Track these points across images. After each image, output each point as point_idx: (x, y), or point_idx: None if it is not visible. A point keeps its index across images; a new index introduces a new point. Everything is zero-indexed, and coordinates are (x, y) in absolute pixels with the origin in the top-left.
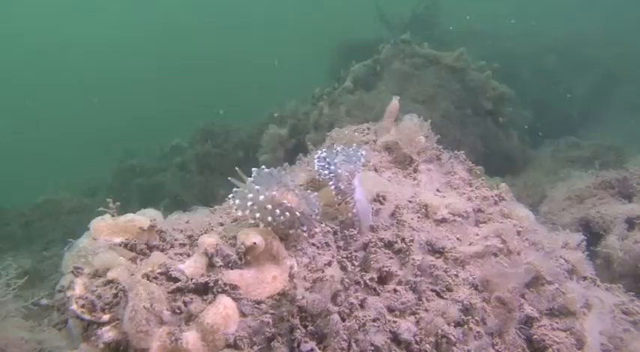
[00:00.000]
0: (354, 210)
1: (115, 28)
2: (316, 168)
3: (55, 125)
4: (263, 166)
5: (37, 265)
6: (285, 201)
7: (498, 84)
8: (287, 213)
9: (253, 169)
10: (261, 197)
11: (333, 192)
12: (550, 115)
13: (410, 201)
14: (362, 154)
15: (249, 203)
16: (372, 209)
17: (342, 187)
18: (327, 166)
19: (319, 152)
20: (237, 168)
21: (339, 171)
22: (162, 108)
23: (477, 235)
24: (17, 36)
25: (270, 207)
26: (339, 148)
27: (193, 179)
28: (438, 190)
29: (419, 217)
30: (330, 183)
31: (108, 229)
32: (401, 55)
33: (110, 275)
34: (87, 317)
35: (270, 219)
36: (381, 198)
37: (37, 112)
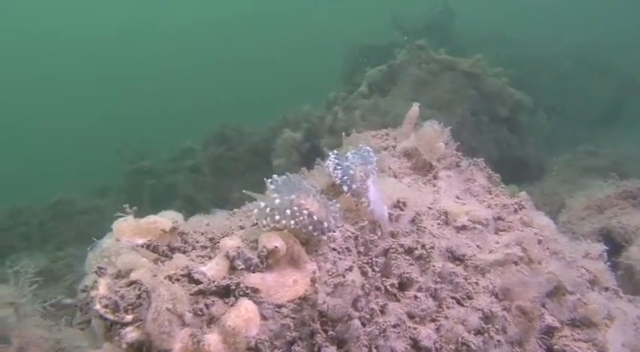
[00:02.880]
0: (370, 209)
1: (126, 26)
2: (331, 171)
3: (64, 123)
4: (275, 176)
5: (51, 265)
6: (306, 205)
7: (515, 91)
8: (307, 217)
9: (270, 180)
10: (278, 200)
11: (346, 191)
12: (567, 122)
13: (430, 208)
14: (374, 155)
15: (269, 209)
16: (392, 215)
17: (355, 187)
18: (338, 170)
19: (331, 154)
20: (244, 191)
21: (351, 171)
22: (169, 110)
23: (497, 243)
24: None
25: (289, 211)
26: (351, 150)
27: (206, 181)
28: (457, 197)
29: (439, 224)
30: (344, 186)
31: (130, 230)
32: (417, 60)
33: (133, 276)
34: (110, 317)
35: (292, 222)
36: (401, 204)
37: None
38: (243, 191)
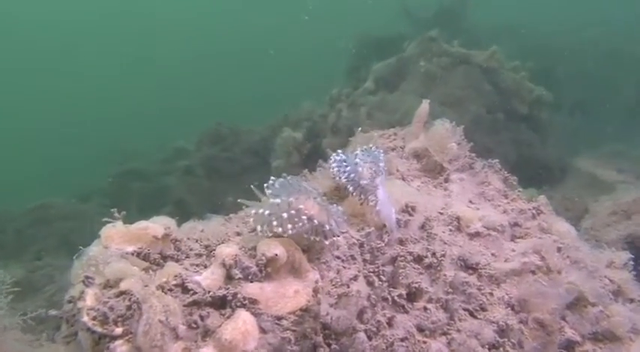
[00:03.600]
0: (377, 208)
1: (115, 17)
2: (335, 171)
3: (43, 121)
4: (273, 178)
5: (30, 275)
6: (305, 208)
7: (534, 86)
8: (307, 221)
9: (267, 184)
10: (278, 200)
11: (351, 190)
12: (592, 120)
13: (441, 213)
14: (383, 154)
15: (267, 212)
16: (400, 221)
17: (363, 183)
18: (345, 167)
19: (336, 154)
20: (252, 186)
21: (360, 169)
22: (161, 109)
23: (514, 251)
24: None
25: (286, 215)
26: (358, 149)
27: (200, 184)
28: (470, 201)
29: (451, 230)
30: (349, 185)
31: (119, 237)
32: (428, 53)
33: (123, 285)
34: (99, 329)
35: (290, 226)
36: (409, 209)
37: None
38: (239, 200)
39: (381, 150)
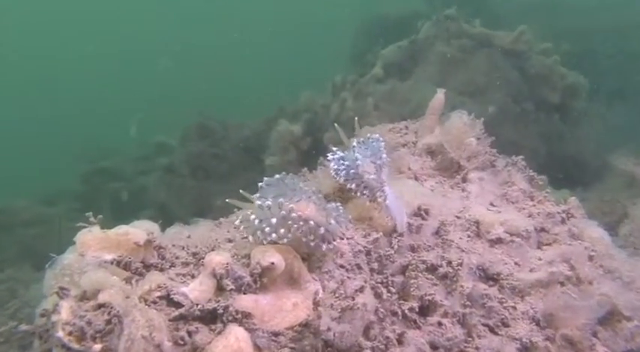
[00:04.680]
0: (386, 203)
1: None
2: (334, 170)
3: (6, 116)
4: (266, 178)
5: None
6: (299, 208)
7: (568, 72)
8: (302, 223)
9: (262, 182)
10: (268, 202)
11: (354, 189)
12: (633, 112)
13: (458, 217)
14: (382, 143)
15: (257, 220)
16: (412, 225)
17: (368, 179)
18: (342, 164)
19: (332, 153)
20: (242, 191)
21: (360, 163)
22: (139, 99)
23: (540, 259)
24: None
25: (275, 220)
26: (354, 143)
27: (184, 185)
28: (491, 204)
29: (469, 236)
30: (351, 183)
31: (97, 244)
32: (445, 34)
33: (101, 297)
34: (75, 346)
35: (282, 231)
36: (422, 212)
37: None
38: (227, 200)
39: (380, 139)
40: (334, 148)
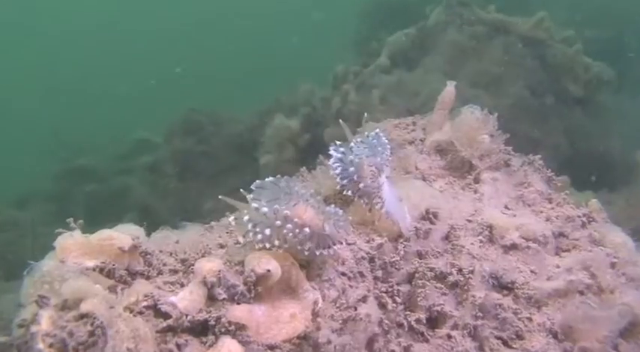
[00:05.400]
0: (383, 211)
1: None
2: (337, 171)
3: None
4: (258, 181)
5: None
6: (291, 215)
7: (593, 61)
8: (298, 231)
9: (255, 183)
10: (264, 209)
11: (351, 195)
12: None
13: (469, 221)
14: (387, 144)
15: (250, 225)
16: (419, 230)
17: (362, 186)
18: (339, 161)
19: (334, 149)
20: (221, 197)
21: (353, 168)
22: (120, 91)
23: (558, 267)
24: None
25: (269, 231)
26: (358, 139)
27: (169, 186)
28: (506, 207)
29: (481, 241)
30: (347, 189)
31: (78, 249)
32: (457, 20)
33: (84, 307)
34: None
35: (277, 242)
36: (431, 216)
37: None
38: (220, 197)
39: (382, 136)
40: (332, 147)
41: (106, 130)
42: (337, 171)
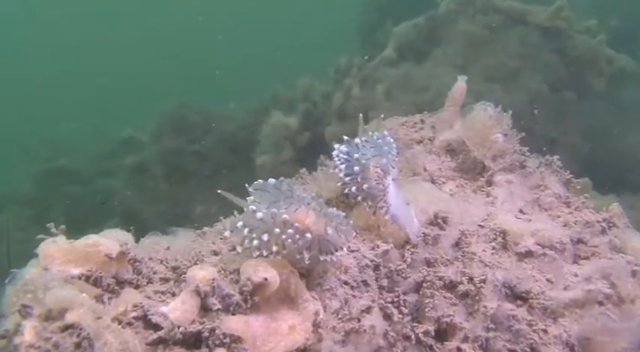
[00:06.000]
0: (387, 217)
1: None
2: (342, 168)
3: None
4: (258, 182)
5: None
6: (291, 220)
7: (616, 54)
8: (298, 237)
9: (251, 186)
10: (259, 214)
11: (355, 193)
12: None
13: (481, 226)
14: (394, 143)
15: (246, 229)
16: (428, 236)
17: (366, 187)
18: (344, 161)
19: (338, 146)
20: (220, 191)
21: (359, 167)
22: (103, 85)
23: (576, 275)
24: None
25: (266, 236)
26: (363, 138)
27: (157, 188)
28: (521, 211)
29: (494, 248)
30: (352, 187)
31: (63, 256)
32: (469, 9)
33: (69, 317)
34: None
35: (275, 248)
36: (440, 221)
37: None
38: (219, 191)
39: (388, 135)
40: (346, 138)
41: (89, 127)
42: (342, 167)
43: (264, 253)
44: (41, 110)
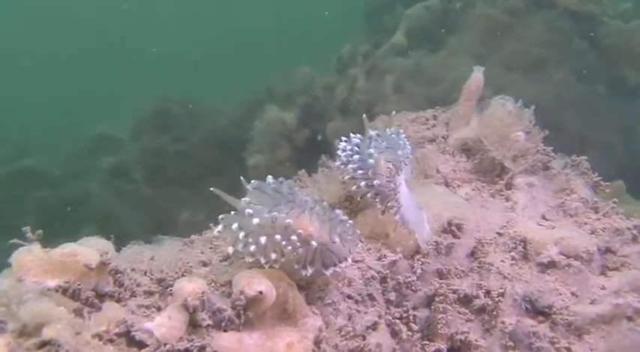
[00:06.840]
0: (397, 217)
1: None
2: (341, 159)
3: None
4: (254, 182)
5: None
6: (294, 225)
7: None
8: (300, 245)
9: (250, 185)
10: (255, 220)
11: (362, 187)
12: None
13: (500, 234)
14: (407, 140)
15: (242, 234)
16: (441, 245)
17: (377, 183)
18: (352, 157)
19: (345, 140)
20: (213, 189)
21: (372, 161)
22: (76, 78)
23: (603, 288)
24: None
25: (264, 239)
26: (373, 133)
27: (138, 192)
28: (543, 217)
29: (513, 259)
30: (361, 183)
31: (38, 266)
32: None
33: (46, 333)
34: None
35: (274, 256)
36: (454, 229)
37: None
38: (212, 189)
39: (402, 132)
40: (353, 135)
41: (59, 123)
42: (352, 158)
43: (262, 260)
44: (5, 105)
